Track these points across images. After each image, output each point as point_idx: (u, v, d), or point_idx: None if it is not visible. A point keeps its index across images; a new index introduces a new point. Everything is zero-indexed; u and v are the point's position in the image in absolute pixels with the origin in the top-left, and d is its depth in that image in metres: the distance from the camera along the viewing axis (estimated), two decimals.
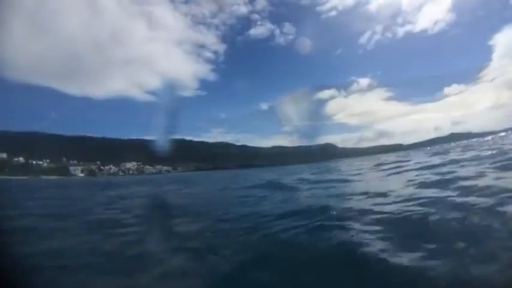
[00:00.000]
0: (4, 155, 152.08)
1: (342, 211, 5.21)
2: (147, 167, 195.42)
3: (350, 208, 5.38)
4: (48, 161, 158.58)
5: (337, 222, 4.38)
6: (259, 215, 5.62)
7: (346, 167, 23.28)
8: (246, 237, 4.23)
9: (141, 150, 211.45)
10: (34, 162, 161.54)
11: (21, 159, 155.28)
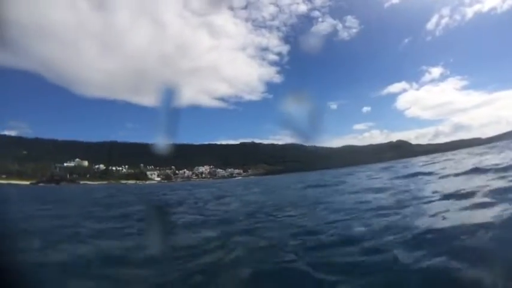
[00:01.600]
0: (86, 163, 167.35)
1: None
2: (218, 170, 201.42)
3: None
4: (126, 167, 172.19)
5: None
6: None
7: (434, 167, 17.68)
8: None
9: (212, 154, 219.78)
10: (114, 168, 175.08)
11: (101, 166, 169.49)
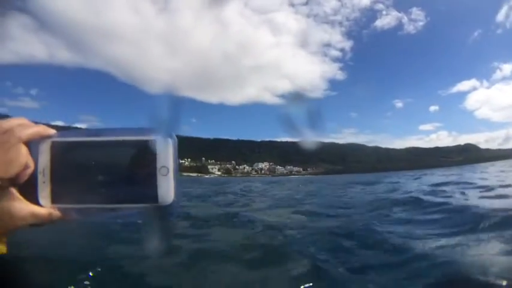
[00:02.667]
0: None
1: None
2: (278, 167, 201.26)
3: None
4: (189, 160, 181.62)
5: None
6: None
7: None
8: None
9: (272, 151, 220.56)
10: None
11: None
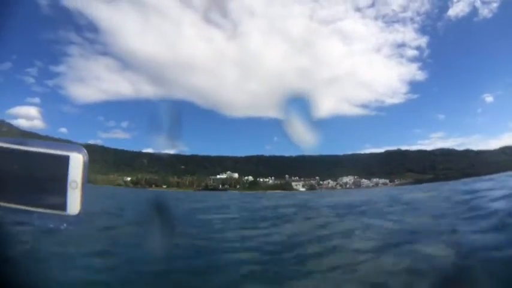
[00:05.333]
0: (236, 175, 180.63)
1: None
2: (363, 180, 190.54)
3: None
4: (273, 178, 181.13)
5: None
6: None
7: None
8: None
9: (356, 164, 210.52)
10: (261, 179, 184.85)
11: (250, 177, 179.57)
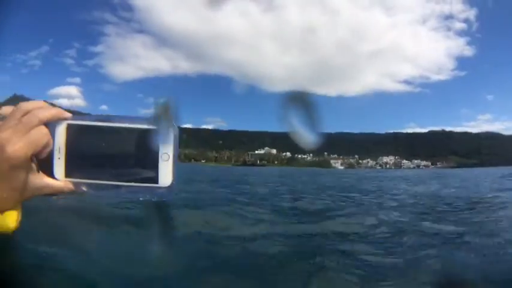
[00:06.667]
0: (274, 151, 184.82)
1: None
2: (404, 161, 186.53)
3: None
4: (311, 155, 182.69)
5: None
6: None
7: None
8: None
9: (397, 144, 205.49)
10: (299, 156, 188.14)
11: (288, 153, 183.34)
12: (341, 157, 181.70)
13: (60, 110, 0.49)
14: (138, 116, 0.52)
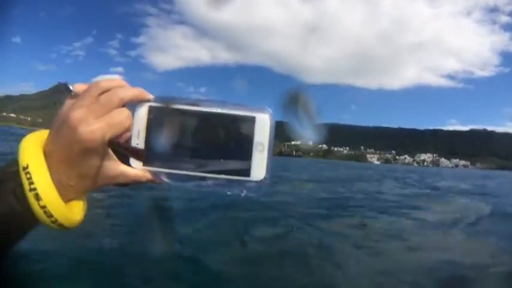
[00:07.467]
0: (310, 142, 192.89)
1: None
2: (442, 159, 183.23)
3: None
4: (347, 148, 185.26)
5: None
6: None
7: None
8: None
9: (437, 141, 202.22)
10: (335, 149, 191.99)
11: (324, 146, 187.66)
12: (378, 152, 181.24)
13: (142, 90, 0.45)
14: (228, 101, 0.59)
